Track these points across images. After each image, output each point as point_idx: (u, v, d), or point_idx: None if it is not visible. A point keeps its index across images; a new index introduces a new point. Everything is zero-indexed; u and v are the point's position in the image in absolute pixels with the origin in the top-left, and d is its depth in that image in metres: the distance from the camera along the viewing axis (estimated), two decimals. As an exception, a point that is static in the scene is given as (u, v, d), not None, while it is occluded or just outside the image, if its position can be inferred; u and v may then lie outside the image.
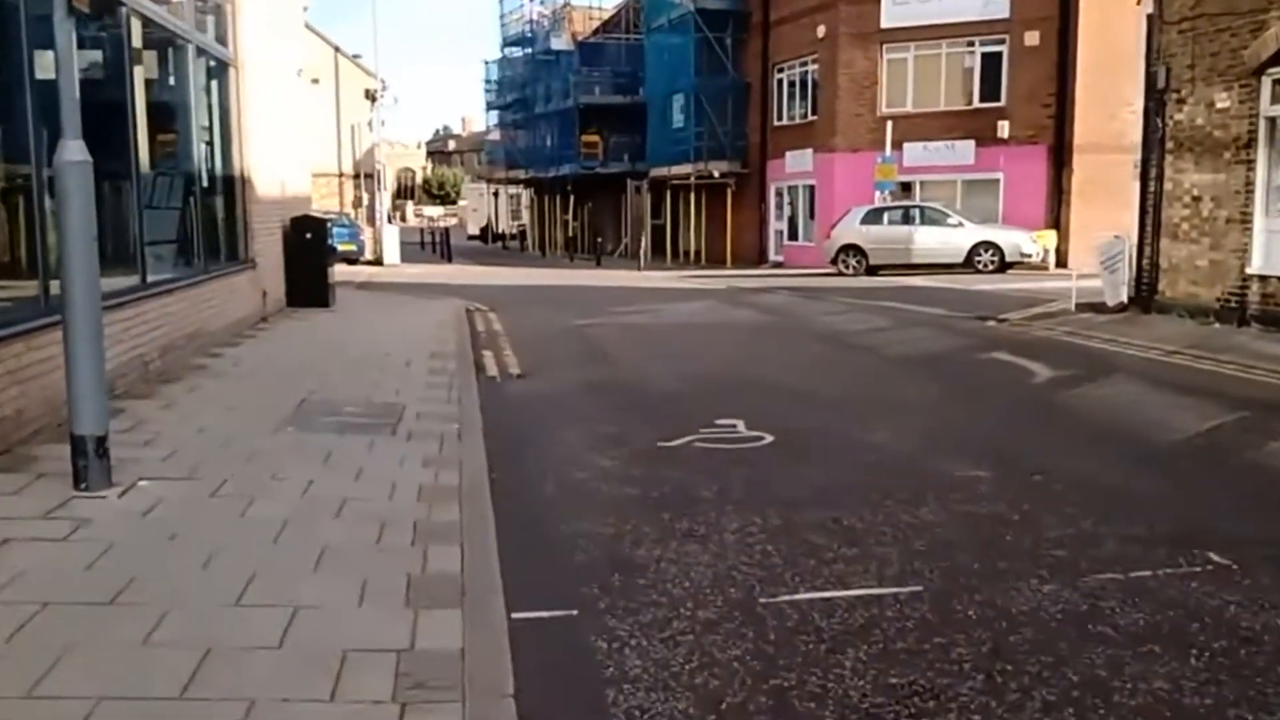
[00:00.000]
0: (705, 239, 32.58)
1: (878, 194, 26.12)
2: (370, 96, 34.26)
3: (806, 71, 28.98)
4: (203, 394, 7.95)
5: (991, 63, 25.49)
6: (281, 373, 9.07)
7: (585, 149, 39.60)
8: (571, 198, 40.20)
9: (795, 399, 8.19)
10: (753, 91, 31.21)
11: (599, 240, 35.74)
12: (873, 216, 24.04)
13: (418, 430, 6.87)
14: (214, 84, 12.23)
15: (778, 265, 30.21)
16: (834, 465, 6.01)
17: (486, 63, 52.42)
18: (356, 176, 34.52)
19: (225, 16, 12.40)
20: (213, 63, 11.89)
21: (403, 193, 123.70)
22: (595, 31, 42.48)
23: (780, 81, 30.41)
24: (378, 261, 32.75)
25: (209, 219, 11.50)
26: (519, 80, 47.82)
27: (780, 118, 30.54)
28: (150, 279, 8.88)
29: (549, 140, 44.54)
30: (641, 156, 37.71)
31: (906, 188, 26.07)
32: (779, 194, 30.89)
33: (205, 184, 11.38)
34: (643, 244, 30.21)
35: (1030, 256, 22.71)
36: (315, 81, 33.96)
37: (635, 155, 38.39)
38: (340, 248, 31.08)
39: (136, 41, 9.04)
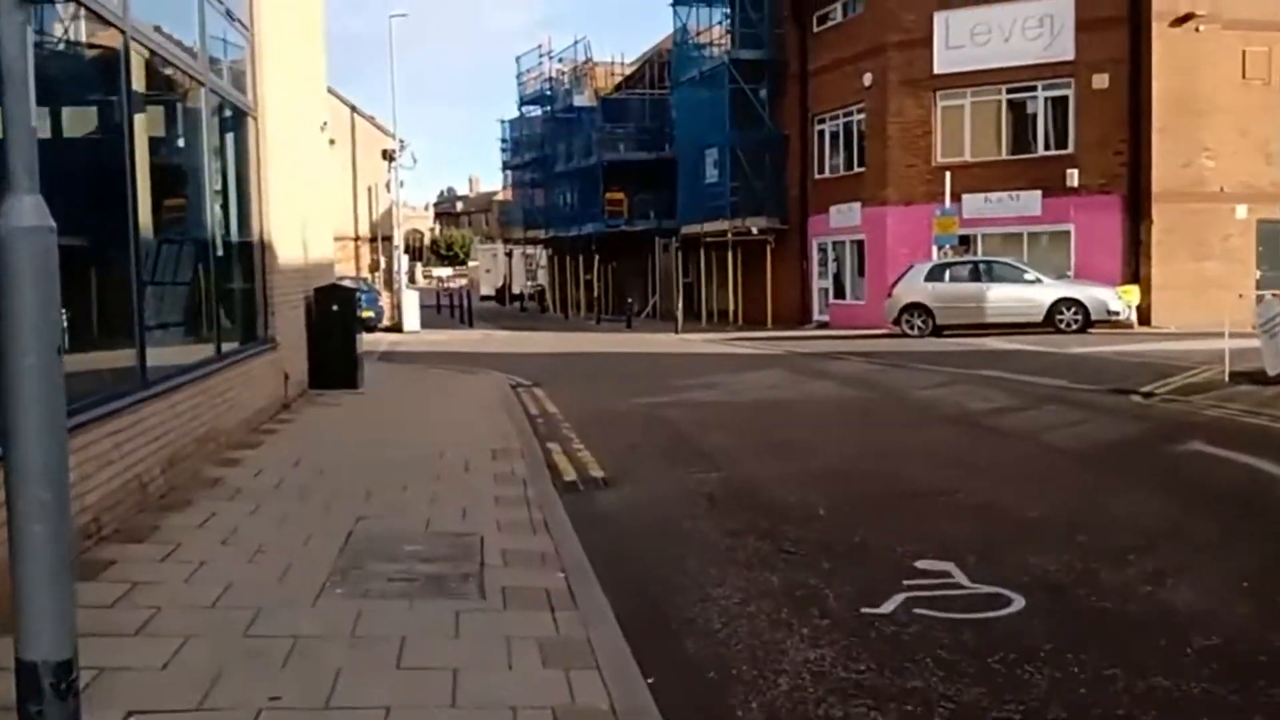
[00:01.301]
0: (743, 299, 30.91)
1: (935, 249, 24.46)
2: (388, 156, 32.95)
3: (852, 122, 27.53)
4: (217, 528, 6.12)
5: (1057, 108, 23.97)
6: (315, 487, 7.25)
7: (610, 207, 38.19)
8: (596, 257, 38.69)
9: (992, 520, 6.30)
10: (791, 144, 29.77)
11: (629, 301, 34.10)
12: (938, 273, 22.33)
13: (512, 585, 5.02)
14: (230, 136, 10.62)
15: (823, 325, 28.46)
16: (1168, 661, 4.07)
17: (502, 122, 51.51)
18: (373, 239, 33.10)
19: (244, 60, 10.82)
20: (229, 111, 10.29)
21: (411, 254, 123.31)
22: (618, 87, 41.37)
23: (821, 133, 28.95)
24: (397, 328, 31.15)
25: (224, 293, 9.79)
26: (537, 139, 46.74)
27: (822, 170, 29.04)
28: (152, 374, 7.10)
29: (570, 199, 43.27)
30: (668, 214, 36.29)
31: (965, 241, 24.40)
32: (822, 250, 29.27)
33: (220, 252, 9.67)
34: (678, 306, 28.55)
35: (1118, 315, 20.91)
36: (332, 142, 32.71)
37: (662, 213, 36.97)
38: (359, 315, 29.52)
39: (138, 81, 7.38)
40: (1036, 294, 21.14)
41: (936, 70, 24.83)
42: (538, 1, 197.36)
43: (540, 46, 44.48)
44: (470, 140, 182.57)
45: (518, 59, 47.30)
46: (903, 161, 25.37)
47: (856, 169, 27.20)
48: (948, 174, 23.77)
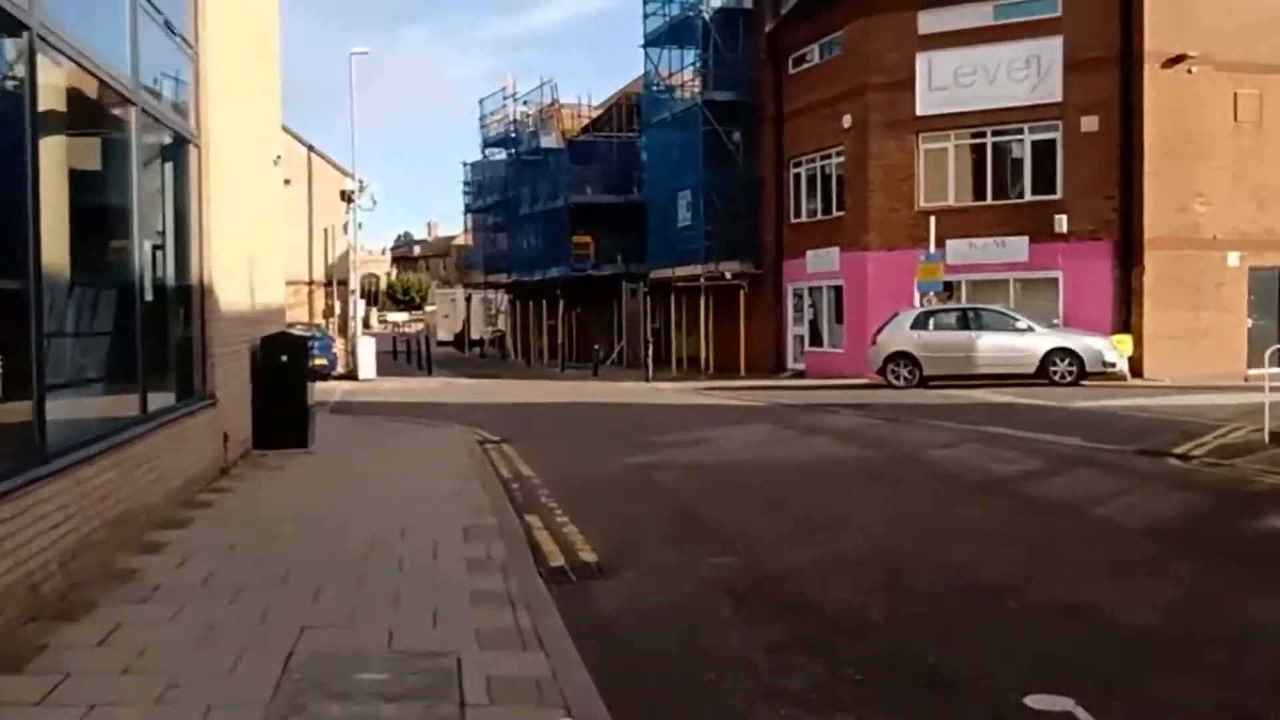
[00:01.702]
0: (714, 346, 29.94)
1: (918, 296, 23.69)
2: (346, 197, 31.74)
3: (830, 164, 26.84)
4: (120, 646, 4.85)
5: (1044, 151, 23.43)
6: (252, 583, 5.99)
7: (577, 250, 37.21)
8: (561, 302, 37.61)
9: (1092, 631, 5.14)
10: (766, 187, 29.03)
11: (596, 348, 32.99)
12: (925, 321, 21.50)
13: (504, 732, 3.83)
14: (168, 166, 9.43)
15: (799, 374, 27.54)
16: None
17: (465, 164, 50.36)
18: (328, 284, 31.76)
19: (186, 79, 9.66)
20: (167, 138, 9.11)
21: (367, 299, 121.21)
22: (585, 130, 40.63)
23: (798, 176, 28.25)
24: (352, 376, 29.74)
25: (154, 344, 8.52)
26: (500, 181, 45.77)
27: (798, 215, 28.29)
28: (53, 444, 5.83)
29: (534, 242, 42.23)
30: (636, 258, 35.38)
31: (948, 288, 23.64)
32: (798, 296, 28.43)
33: (150, 297, 8.41)
34: (648, 353, 27.49)
35: (1113, 366, 20.16)
36: (288, 182, 31.45)
37: (629, 257, 36.05)
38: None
39: (48, 96, 6.19)
40: (1029, 343, 20.35)
41: (919, 112, 24.24)
42: (498, 50, 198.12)
43: (504, 89, 43.74)
44: (428, 186, 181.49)
45: (481, 101, 46.48)
46: (885, 205, 24.66)
47: (835, 213, 26.47)
48: (932, 219, 23.06)
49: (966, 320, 21.17)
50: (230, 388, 10.61)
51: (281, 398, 11.89)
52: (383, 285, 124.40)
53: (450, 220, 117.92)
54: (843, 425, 14.85)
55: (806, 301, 27.97)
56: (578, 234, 37.40)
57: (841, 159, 26.14)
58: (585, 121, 41.53)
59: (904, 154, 24.53)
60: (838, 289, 26.39)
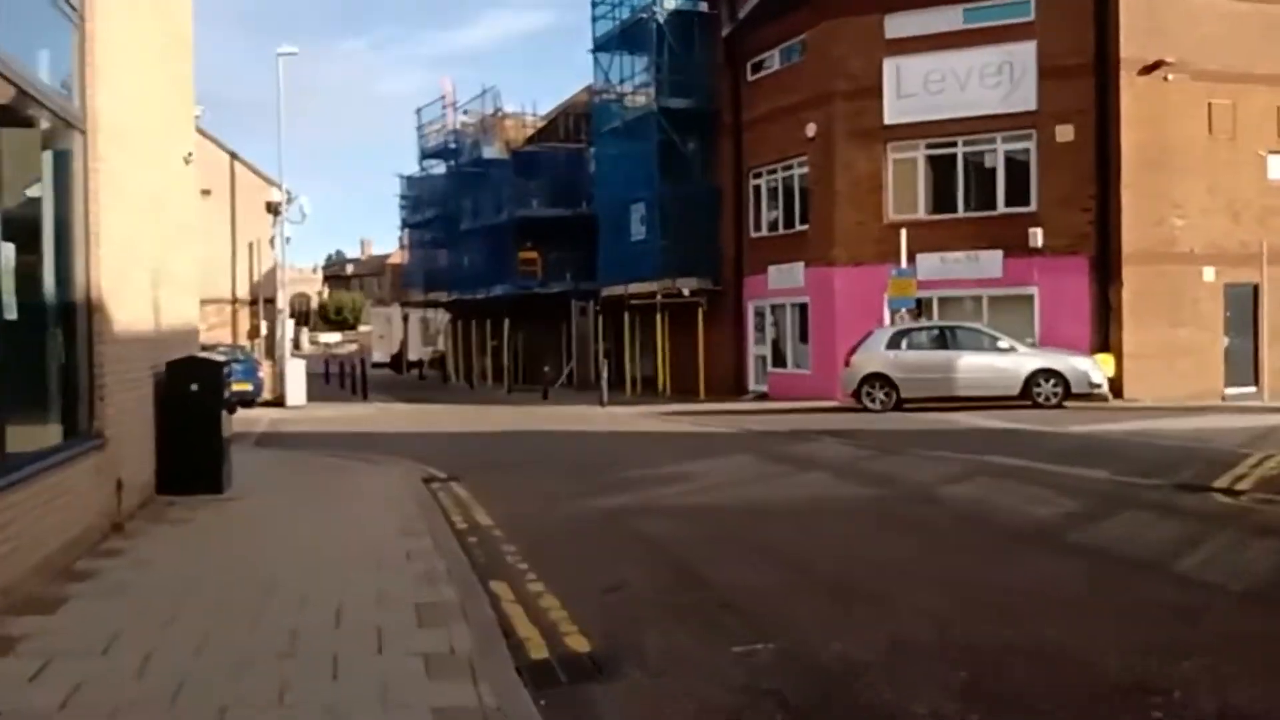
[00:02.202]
0: (671, 367, 28.56)
1: (888, 313, 22.64)
2: (273, 209, 29.81)
3: (793, 175, 25.73)
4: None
5: (1018, 162, 22.57)
6: (129, 707, 4.38)
7: (523, 267, 35.68)
8: (506, 321, 35.99)
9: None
10: (725, 200, 27.84)
11: (546, 370, 31.41)
12: (901, 340, 20.40)
13: None
14: (46, 156, 7.79)
15: (762, 396, 26.30)
16: None
17: (401, 177, 48.53)
18: (253, 302, 29.76)
19: (71, 54, 8.00)
20: (44, 121, 7.47)
21: (298, 319, 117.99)
22: (529, 140, 39.13)
23: (758, 188, 27.10)
24: (279, 402, 27.77)
25: (19, 373, 6.86)
26: (439, 195, 44.08)
27: (759, 228, 27.13)
28: None
29: (475, 259, 40.57)
30: (586, 275, 33.98)
31: (919, 305, 22.59)
32: (759, 314, 27.23)
33: (12, 315, 6.74)
34: (602, 375, 26.01)
35: (1099, 387, 19.22)
36: (207, 193, 29.46)
37: (579, 274, 34.63)
38: (234, 387, 26.07)
39: None
40: (1011, 364, 19.33)
41: (887, 120, 23.24)
42: (434, 66, 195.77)
43: (444, 97, 42.13)
44: (361, 204, 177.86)
45: (418, 110, 44.79)
46: (851, 218, 23.59)
47: (799, 226, 25.34)
48: (903, 232, 22.02)
49: (945, 339, 20.10)
50: (127, 424, 8.90)
51: (191, 434, 10.19)
52: (314, 305, 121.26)
53: (385, 239, 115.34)
54: (833, 457, 13.52)
55: (769, 320, 26.77)
56: (523, 249, 35.90)
57: (805, 169, 25.05)
58: (530, 132, 40.04)
59: (872, 164, 23.50)
60: (803, 306, 25.23)
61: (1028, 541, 7.87)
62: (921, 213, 23.29)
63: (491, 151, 36.46)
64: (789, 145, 25.31)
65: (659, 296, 27.54)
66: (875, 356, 20.02)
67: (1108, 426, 15.79)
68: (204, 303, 30.31)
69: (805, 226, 25.01)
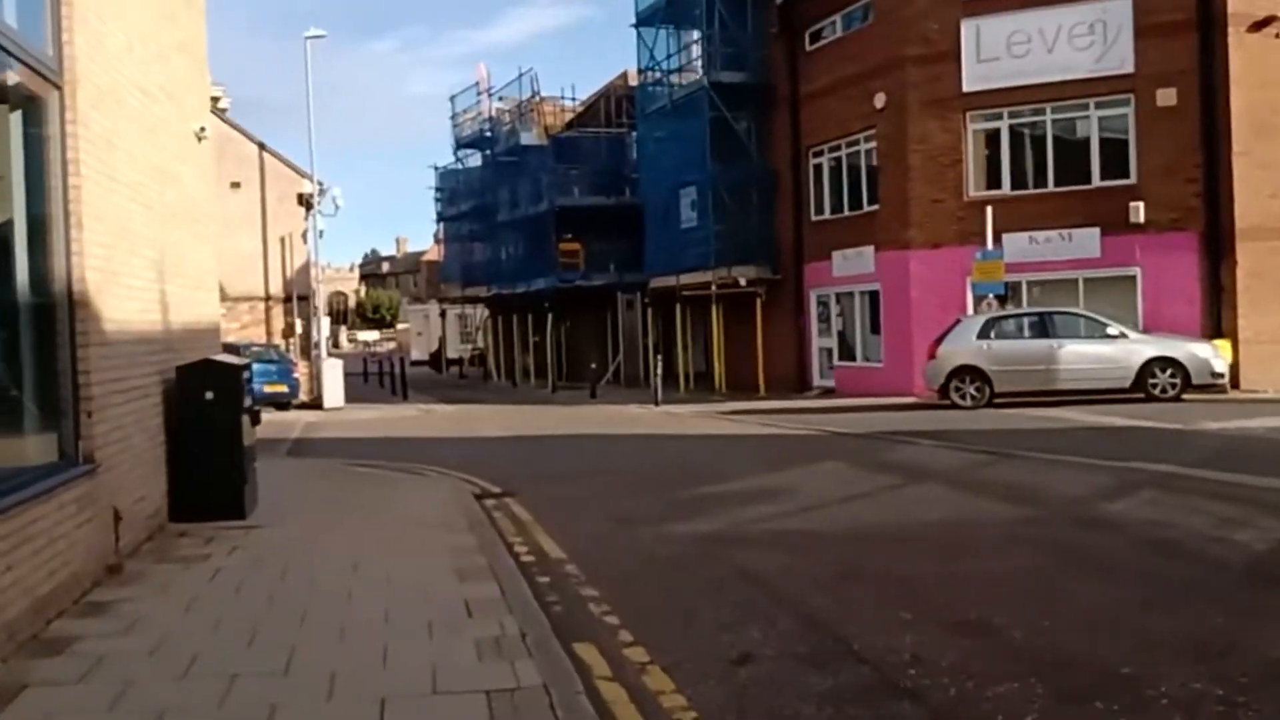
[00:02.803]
0: (727, 361, 26.88)
1: (971, 300, 20.88)
2: (305, 202, 28.53)
3: (858, 152, 23.96)
4: None
5: (1114, 129, 20.65)
6: None
7: (564, 259, 34.17)
8: (549, 316, 34.49)
9: None
10: (782, 181, 26.12)
11: (593, 367, 29.89)
12: (994, 328, 18.62)
13: None
14: (14, 118, 6.39)
15: (828, 392, 24.59)
16: None
17: (435, 168, 47.21)
18: (287, 300, 28.50)
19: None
20: (9, 71, 6.06)
21: (335, 317, 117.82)
22: (568, 125, 37.59)
23: (819, 168, 25.36)
24: (316, 404, 26.51)
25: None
26: (475, 186, 42.72)
27: (820, 211, 25.38)
28: None
29: (515, 251, 39.18)
30: (631, 266, 32.42)
31: (1006, 290, 20.73)
32: (823, 304, 25.49)
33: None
34: (655, 372, 24.40)
35: (1222, 376, 17.34)
36: (236, 185, 28.28)
37: (623, 264, 33.10)
38: (267, 390, 24.84)
39: None
40: (1122, 352, 17.47)
41: (966, 87, 21.41)
42: (464, 65, 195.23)
43: (478, 84, 40.72)
44: (395, 203, 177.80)
45: (452, 98, 43.37)
46: (928, 196, 21.79)
47: (867, 207, 23.57)
48: (988, 209, 20.18)
49: (1044, 327, 18.26)
50: (125, 443, 7.47)
51: (207, 450, 8.76)
52: (351, 303, 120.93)
53: (420, 236, 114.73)
54: (945, 465, 11.83)
55: (834, 309, 25.03)
56: (564, 240, 34.38)
57: (873, 145, 23.27)
58: (569, 117, 38.51)
59: (949, 136, 21.67)
60: (873, 294, 23.47)
61: (1271, 584, 6.18)
62: (1006, 188, 21.42)
63: (529, 138, 34.95)
64: (854, 119, 23.54)
65: (713, 287, 25.89)
66: (965, 347, 18.25)
67: (1244, 422, 13.95)
68: (236, 300, 29.25)
69: (875, 207, 23.24)
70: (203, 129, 10.81)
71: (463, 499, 10.35)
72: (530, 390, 34.12)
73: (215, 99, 31.95)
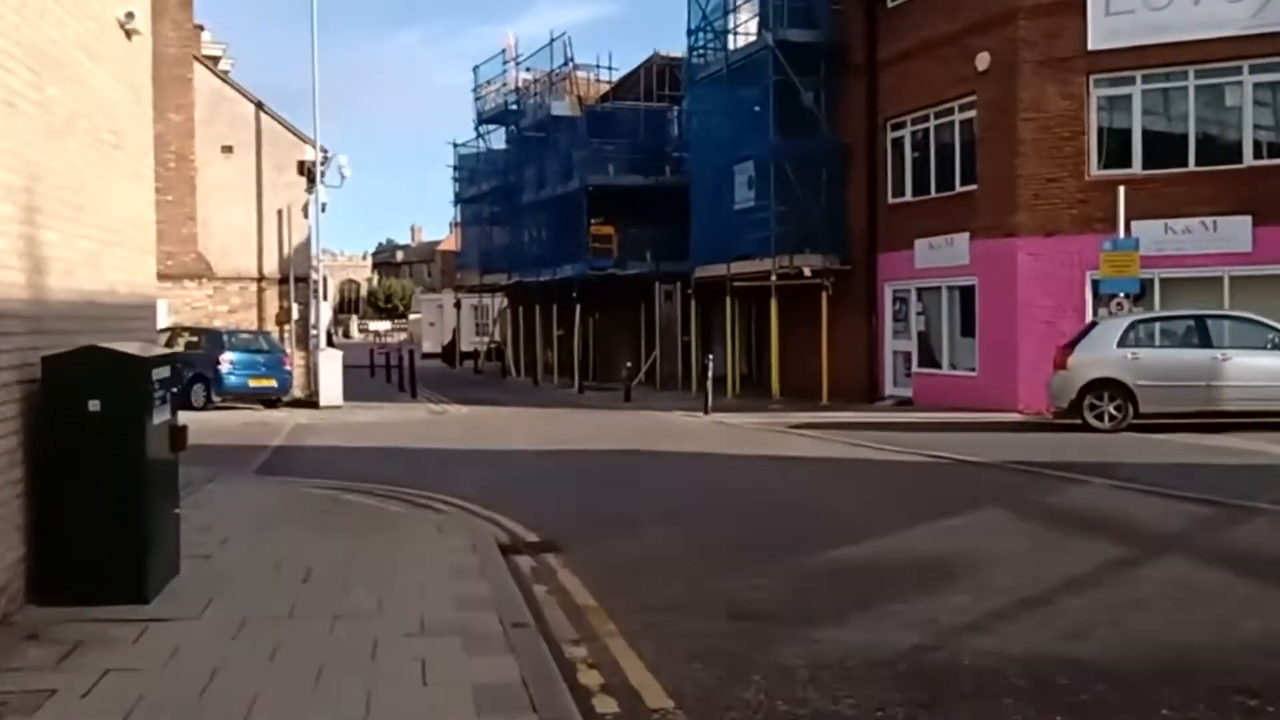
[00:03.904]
0: (785, 363, 23.55)
1: (1089, 298, 17.61)
2: (306, 171, 25.35)
3: (951, 123, 20.63)
4: None
5: (1272, 99, 17.27)
6: None
7: (596, 244, 30.91)
8: (578, 307, 31.25)
9: None
10: (855, 158, 22.81)
11: (628, 366, 26.62)
12: (1138, 335, 15.31)
13: None
14: None
15: (903, 403, 21.30)
16: None
17: (454, 145, 43.99)
18: (283, 281, 25.32)
19: None
20: None
21: (346, 306, 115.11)
22: (604, 98, 34.30)
23: (899, 142, 22.05)
24: (311, 402, 23.34)
25: None
26: (498, 164, 39.50)
27: (900, 192, 22.06)
28: None
29: (539, 235, 35.97)
30: (670, 253, 29.23)
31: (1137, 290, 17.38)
32: (900, 300, 22.18)
33: None
34: (707, 375, 21.11)
35: None
36: (228, 150, 25.09)
37: (662, 251, 29.87)
38: (253, 384, 21.71)
39: None
40: (1309, 367, 14.13)
41: (1092, 45, 18.06)
42: (485, 58, 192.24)
43: (504, 51, 37.51)
44: (413, 195, 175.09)
45: (475, 68, 40.08)
46: (1040, 174, 18.45)
47: (960, 187, 20.23)
48: (1121, 189, 16.84)
49: (1204, 333, 14.91)
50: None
51: (90, 490, 5.59)
52: (364, 292, 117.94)
53: (436, 225, 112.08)
54: (1155, 520, 8.56)
55: (914, 307, 21.70)
56: (596, 224, 31.11)
57: (971, 114, 19.92)
58: (604, 90, 35.22)
59: (1069, 103, 18.31)
60: (965, 289, 20.13)
61: None
62: (1136, 167, 18.07)
63: (561, 108, 31.62)
64: (946, 84, 20.21)
65: (773, 277, 22.57)
66: (1104, 357, 14.89)
67: None
68: (225, 280, 26.13)
69: (971, 187, 19.90)
70: (129, 15, 7.63)
71: (486, 559, 7.12)
72: (553, 390, 30.89)
73: (215, 58, 28.93)
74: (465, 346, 49.42)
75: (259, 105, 25.17)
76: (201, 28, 32.34)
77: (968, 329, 20.15)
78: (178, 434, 6.25)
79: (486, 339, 48.86)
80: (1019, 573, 6.82)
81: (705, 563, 7.31)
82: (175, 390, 6.29)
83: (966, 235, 19.77)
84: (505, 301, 42.69)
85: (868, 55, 22.27)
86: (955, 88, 20.04)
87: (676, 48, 33.46)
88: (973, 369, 19.89)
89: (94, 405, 5.54)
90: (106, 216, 7.20)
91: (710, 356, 21.38)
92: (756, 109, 23.24)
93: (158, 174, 24.51)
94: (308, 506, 9.53)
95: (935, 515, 8.84)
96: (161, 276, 26.29)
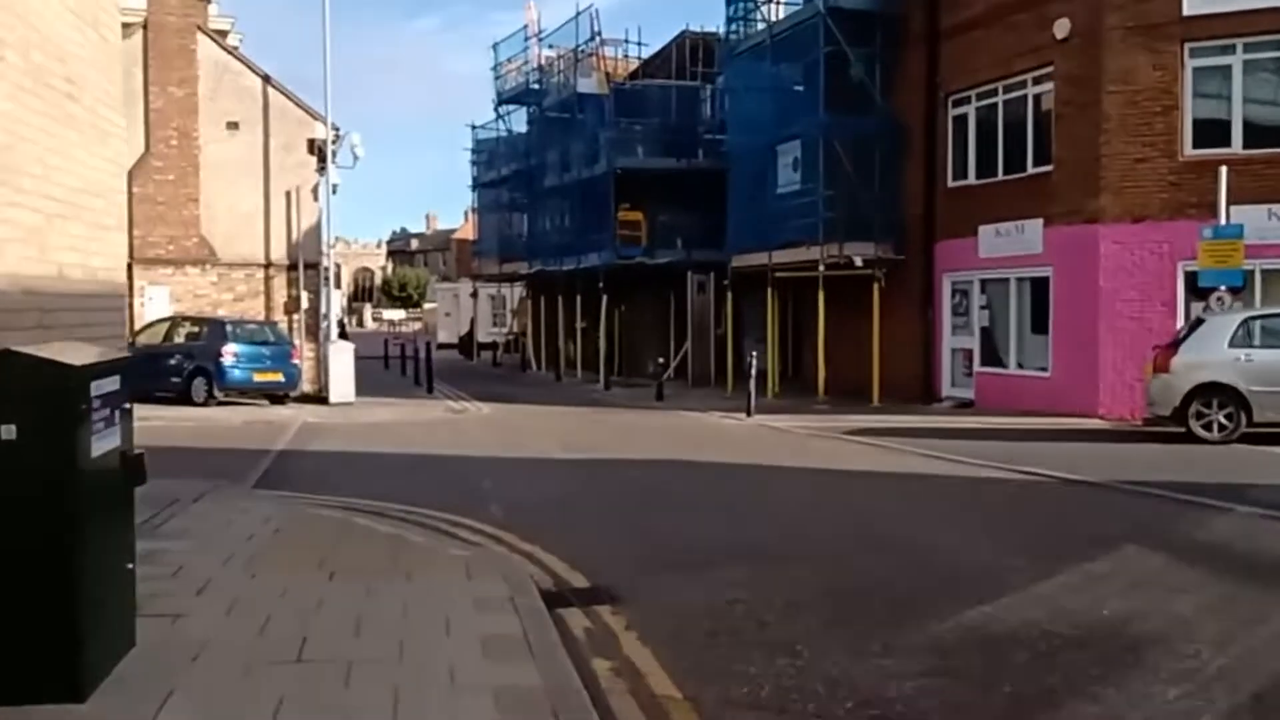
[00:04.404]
0: (830, 360, 21.98)
1: (1181, 291, 16.00)
2: (316, 150, 23.93)
3: (1023, 97, 19.01)
4: None
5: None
6: None
7: (623, 231, 29.41)
8: (604, 298, 29.76)
9: None
10: (912, 137, 21.20)
11: (659, 361, 25.12)
12: (1254, 332, 13.71)
13: None
14: None
15: (963, 405, 19.76)
16: None
17: (473, 127, 42.46)
18: (292, 268, 23.92)
19: None
20: None
21: (360, 294, 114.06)
22: (633, 75, 32.72)
23: (962, 120, 20.44)
24: (321, 398, 21.98)
25: None
26: (519, 148, 38.01)
27: (961, 175, 20.48)
28: None
29: (562, 222, 34.49)
30: (702, 241, 27.80)
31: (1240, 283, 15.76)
32: (960, 293, 20.60)
33: None
34: (751, 373, 19.59)
35: None
36: (234, 126, 23.71)
37: (694, 239, 28.40)
38: (258, 379, 20.35)
39: None
40: None
41: (1187, 10, 16.45)
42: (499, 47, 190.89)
43: (526, 28, 35.99)
44: (428, 184, 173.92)
45: (495, 46, 38.48)
46: (1128, 154, 16.85)
47: (1033, 168, 18.64)
48: (1223, 169, 15.22)
49: (1333, 331, 13.33)
50: None
51: (5, 549, 4.13)
52: (378, 280, 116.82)
53: (450, 214, 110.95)
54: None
55: (976, 300, 20.11)
56: (624, 209, 29.60)
57: (1047, 87, 18.31)
58: (633, 68, 33.64)
59: (1161, 75, 16.68)
60: (1038, 281, 18.55)
61: None
62: (1236, 146, 16.46)
63: (588, 84, 30.01)
64: (1018, 55, 18.61)
65: (821, 267, 21.01)
66: (1213, 358, 13.32)
67: None
68: (230, 266, 24.71)
69: (1046, 168, 18.29)
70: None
71: (536, 627, 5.63)
72: (577, 385, 29.43)
73: (222, 32, 27.51)
74: (482, 337, 48.07)
75: (266, 78, 23.75)
76: (208, 1, 31.12)
77: (1039, 324, 18.56)
78: (133, 465, 4.79)
79: (504, 330, 47.47)
80: (1223, 648, 5.30)
81: (806, 624, 5.83)
82: (121, 408, 4.82)
83: (1040, 221, 18.16)
84: (525, 291, 41.26)
85: (928, 24, 20.66)
86: (1029, 58, 18.42)
87: (708, 24, 32.19)
88: (1045, 369, 18.31)
89: (7, 433, 4.09)
90: (52, 183, 5.76)
91: (754, 353, 19.87)
92: (799, 88, 21.70)
93: (159, 152, 23.33)
94: (310, 535, 8.09)
95: (1069, 558, 7.31)
96: (163, 262, 25.17)
